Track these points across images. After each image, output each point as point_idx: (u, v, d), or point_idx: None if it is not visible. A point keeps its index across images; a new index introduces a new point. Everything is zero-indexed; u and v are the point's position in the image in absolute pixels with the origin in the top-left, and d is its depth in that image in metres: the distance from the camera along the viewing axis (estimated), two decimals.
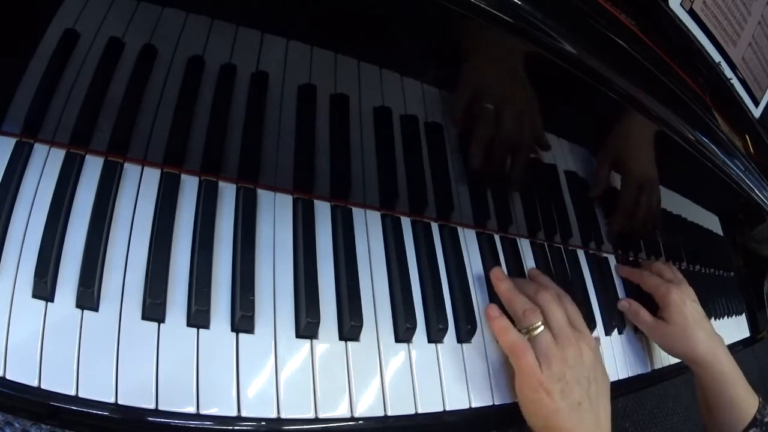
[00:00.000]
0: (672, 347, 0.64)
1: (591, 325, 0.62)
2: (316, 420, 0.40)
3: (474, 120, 0.48)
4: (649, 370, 0.67)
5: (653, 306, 0.66)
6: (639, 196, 0.63)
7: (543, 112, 0.48)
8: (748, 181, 0.59)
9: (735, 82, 0.55)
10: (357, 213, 0.50)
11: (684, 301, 0.63)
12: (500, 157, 0.53)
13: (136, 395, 0.34)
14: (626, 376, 0.63)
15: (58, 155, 0.40)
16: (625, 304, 0.67)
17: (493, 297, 0.54)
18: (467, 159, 0.52)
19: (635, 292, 0.70)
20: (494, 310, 0.51)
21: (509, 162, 0.53)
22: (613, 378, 0.61)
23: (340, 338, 0.44)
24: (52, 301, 0.35)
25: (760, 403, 0.60)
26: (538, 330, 0.49)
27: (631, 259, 0.76)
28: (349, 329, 0.43)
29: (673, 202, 0.69)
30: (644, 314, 0.65)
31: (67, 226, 0.38)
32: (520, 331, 0.50)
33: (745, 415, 0.59)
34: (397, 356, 0.45)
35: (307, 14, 0.38)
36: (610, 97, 0.43)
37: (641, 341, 0.68)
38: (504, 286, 0.53)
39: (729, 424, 0.60)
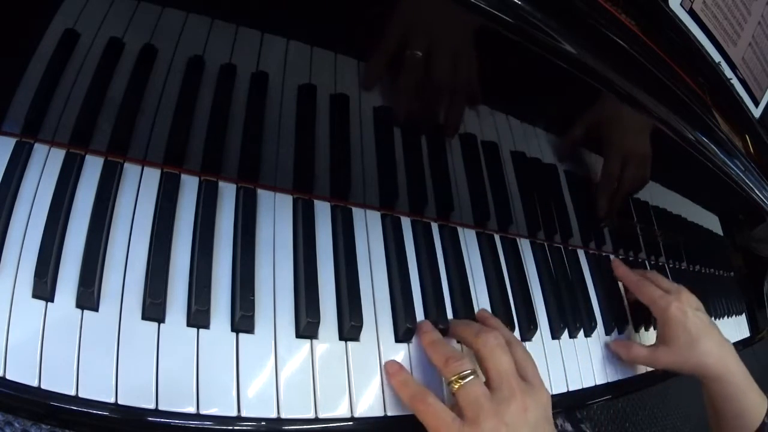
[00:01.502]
0: (680, 367, 0.58)
1: (591, 325, 0.63)
2: (316, 420, 0.40)
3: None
4: (650, 370, 0.67)
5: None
6: (622, 176, 0.59)
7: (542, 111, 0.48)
8: (748, 181, 0.59)
9: (735, 82, 0.55)
10: (357, 213, 0.50)
11: (685, 314, 0.58)
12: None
13: (136, 395, 0.34)
14: (626, 376, 0.63)
15: (58, 155, 0.40)
16: (615, 346, 0.62)
17: (492, 296, 0.55)
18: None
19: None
20: (393, 365, 0.44)
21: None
22: (613, 378, 0.61)
23: (340, 338, 0.44)
24: (52, 301, 0.35)
25: None
26: (467, 380, 0.41)
27: (631, 259, 0.76)
28: (349, 329, 0.43)
29: (673, 202, 0.69)
30: (638, 348, 0.60)
31: (67, 226, 0.38)
32: (449, 386, 0.42)
33: (755, 420, 0.57)
34: (397, 356, 0.45)
35: (307, 14, 0.38)
36: (602, 91, 0.43)
37: (641, 341, 0.68)
38: (428, 338, 0.46)
39: (737, 430, 0.58)
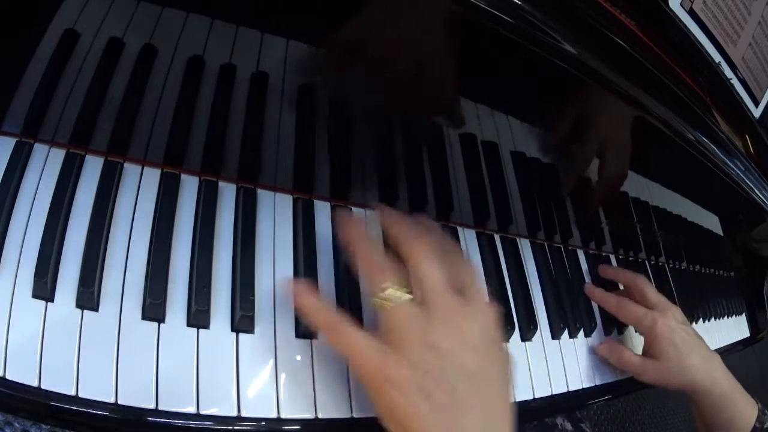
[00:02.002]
0: (668, 383, 0.57)
1: (591, 325, 0.63)
2: (316, 420, 0.40)
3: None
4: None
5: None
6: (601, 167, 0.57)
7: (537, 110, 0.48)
8: (748, 181, 0.59)
9: (735, 82, 0.55)
10: (358, 213, 0.50)
11: (672, 330, 0.57)
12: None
13: (136, 395, 0.34)
14: (626, 377, 0.63)
15: (58, 155, 0.40)
16: (605, 348, 0.59)
17: (492, 296, 0.54)
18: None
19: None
20: (299, 285, 0.38)
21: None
22: (613, 379, 0.61)
23: None
24: (52, 301, 0.35)
25: (759, 410, 0.58)
26: (392, 296, 0.35)
27: (631, 259, 0.76)
28: None
29: (673, 202, 0.69)
30: (630, 356, 0.58)
31: (67, 226, 0.38)
32: (374, 301, 0.36)
33: (744, 426, 0.57)
34: None
35: (307, 14, 0.38)
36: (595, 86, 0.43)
37: (641, 341, 0.68)
38: (353, 233, 0.39)
39: None
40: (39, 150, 0.40)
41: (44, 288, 0.34)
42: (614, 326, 0.65)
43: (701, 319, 0.87)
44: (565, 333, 0.59)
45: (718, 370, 0.57)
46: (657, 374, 0.57)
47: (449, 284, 0.36)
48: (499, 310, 0.39)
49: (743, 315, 1.03)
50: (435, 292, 0.35)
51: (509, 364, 0.38)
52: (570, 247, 0.67)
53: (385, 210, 0.42)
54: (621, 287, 0.66)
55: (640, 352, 0.61)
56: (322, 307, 0.37)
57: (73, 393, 0.33)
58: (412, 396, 0.32)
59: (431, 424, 0.32)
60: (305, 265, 0.44)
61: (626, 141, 0.53)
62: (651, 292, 0.61)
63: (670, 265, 0.84)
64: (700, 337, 0.59)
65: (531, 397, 0.52)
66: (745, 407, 0.57)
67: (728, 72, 0.53)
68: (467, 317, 0.35)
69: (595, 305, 0.65)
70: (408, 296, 0.35)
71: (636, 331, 0.64)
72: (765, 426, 0.57)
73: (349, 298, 0.45)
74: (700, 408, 0.58)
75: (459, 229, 0.56)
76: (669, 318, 0.58)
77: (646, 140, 0.53)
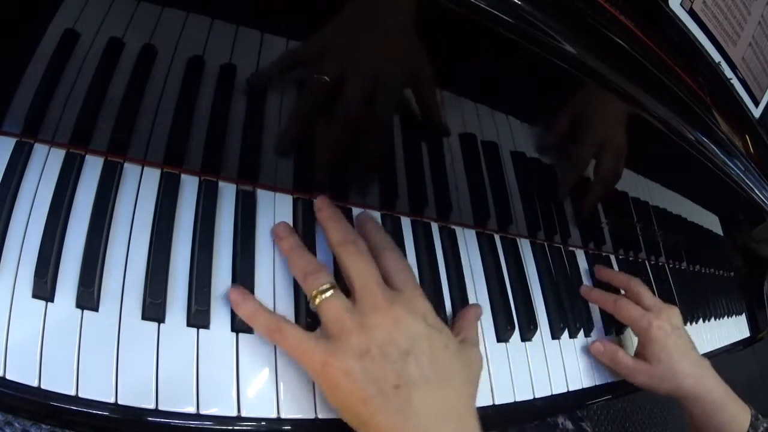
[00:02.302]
0: (658, 387, 0.57)
1: (590, 325, 0.63)
2: (316, 420, 0.40)
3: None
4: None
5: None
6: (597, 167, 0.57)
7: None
8: (748, 181, 0.59)
9: (735, 82, 0.55)
10: (357, 213, 0.50)
11: (667, 334, 0.57)
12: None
13: (136, 395, 0.34)
14: None
15: (58, 155, 0.40)
16: (599, 347, 0.59)
17: (492, 296, 0.55)
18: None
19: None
20: (236, 293, 0.39)
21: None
22: (613, 379, 0.61)
23: None
24: (52, 301, 0.35)
25: (752, 415, 0.58)
26: (327, 294, 0.37)
27: (631, 259, 0.76)
28: None
29: (673, 202, 0.69)
30: (623, 356, 0.58)
31: (67, 226, 0.38)
32: (308, 302, 0.39)
33: (737, 431, 0.57)
34: None
35: (307, 14, 0.38)
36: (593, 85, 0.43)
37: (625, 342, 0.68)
38: (287, 243, 0.41)
39: None
40: (39, 150, 0.40)
41: (44, 288, 0.34)
42: (614, 326, 0.65)
43: (701, 319, 0.87)
44: (565, 333, 0.59)
45: (708, 377, 0.57)
46: (647, 378, 0.57)
47: (379, 279, 0.38)
48: (430, 303, 0.40)
49: (743, 315, 1.03)
50: (364, 287, 0.37)
51: (456, 349, 0.38)
52: (570, 247, 0.67)
53: (323, 205, 0.43)
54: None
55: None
56: (259, 311, 0.38)
57: (73, 393, 0.33)
58: (359, 381, 0.34)
59: (383, 406, 0.33)
60: None
61: (625, 141, 0.53)
62: (646, 295, 0.61)
63: (670, 265, 0.84)
64: (692, 343, 0.60)
65: (531, 397, 0.52)
66: (737, 412, 0.57)
67: (728, 72, 0.53)
68: (400, 307, 0.37)
69: (594, 305, 0.65)
70: (335, 291, 0.37)
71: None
72: (759, 430, 0.57)
73: None
74: (691, 414, 0.58)
75: (459, 229, 0.56)
76: (664, 321, 0.58)
77: (646, 140, 0.53)
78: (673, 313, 0.60)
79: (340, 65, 0.38)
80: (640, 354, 0.60)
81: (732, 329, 0.97)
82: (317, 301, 0.37)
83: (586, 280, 0.67)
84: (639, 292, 0.62)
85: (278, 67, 0.38)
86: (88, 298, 0.36)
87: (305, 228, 0.46)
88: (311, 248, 0.45)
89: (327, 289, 0.38)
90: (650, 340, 0.57)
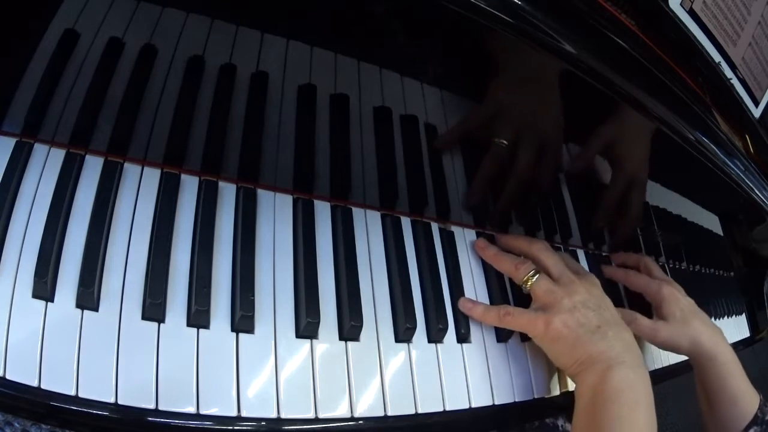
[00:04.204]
0: (676, 344, 0.61)
1: None
2: (316, 420, 0.40)
3: (489, 155, 0.50)
4: (649, 370, 0.67)
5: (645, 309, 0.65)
6: (626, 190, 0.61)
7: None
8: (748, 181, 0.59)
9: (735, 82, 0.55)
10: (357, 213, 0.50)
11: (676, 296, 0.62)
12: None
13: (136, 395, 0.34)
14: None
15: (58, 155, 0.40)
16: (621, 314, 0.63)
17: (492, 297, 0.54)
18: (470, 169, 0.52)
19: (637, 291, 0.70)
20: (466, 301, 0.51)
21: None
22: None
23: (340, 338, 0.44)
24: (52, 301, 0.35)
25: (761, 400, 0.59)
26: (535, 277, 0.50)
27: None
28: (349, 329, 0.43)
29: (673, 202, 0.69)
30: (641, 319, 0.62)
31: (67, 226, 0.38)
32: (520, 286, 0.51)
33: (746, 412, 0.58)
34: (397, 356, 0.45)
35: (307, 14, 0.38)
36: (609, 96, 0.43)
37: (641, 342, 0.68)
38: (490, 252, 0.55)
39: (730, 421, 0.58)
40: (39, 150, 0.40)
41: (44, 288, 0.34)
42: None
43: None
44: None
45: (720, 337, 0.61)
46: (667, 334, 0.61)
47: (566, 266, 0.52)
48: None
49: (743, 315, 1.03)
50: (561, 272, 0.51)
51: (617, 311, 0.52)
52: (570, 247, 0.67)
53: (485, 244, 0.56)
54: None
55: (644, 352, 0.63)
56: (488, 308, 0.51)
57: (73, 393, 0.33)
58: (574, 328, 0.47)
59: (591, 340, 0.46)
60: (305, 265, 0.44)
61: (630, 142, 0.53)
62: (656, 269, 0.68)
63: (670, 265, 0.84)
64: (701, 311, 0.63)
65: (531, 397, 0.52)
66: (747, 389, 0.59)
67: (728, 72, 0.53)
68: (586, 284, 0.51)
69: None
70: (541, 273, 0.51)
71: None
72: (767, 418, 0.57)
73: (349, 296, 0.45)
74: (703, 379, 0.60)
75: (458, 229, 0.56)
76: (673, 287, 0.64)
77: (646, 140, 0.53)
78: (679, 285, 0.65)
79: (515, 130, 0.48)
80: (656, 317, 0.63)
81: (732, 329, 0.97)
82: (529, 283, 0.51)
83: None
84: (649, 267, 0.68)
85: (456, 135, 0.49)
86: (88, 298, 0.36)
87: (305, 228, 0.46)
88: (312, 248, 0.45)
89: (534, 274, 0.51)
90: (663, 299, 0.62)
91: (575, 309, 0.47)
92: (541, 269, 0.52)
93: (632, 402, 0.44)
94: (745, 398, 0.59)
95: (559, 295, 0.48)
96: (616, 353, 0.46)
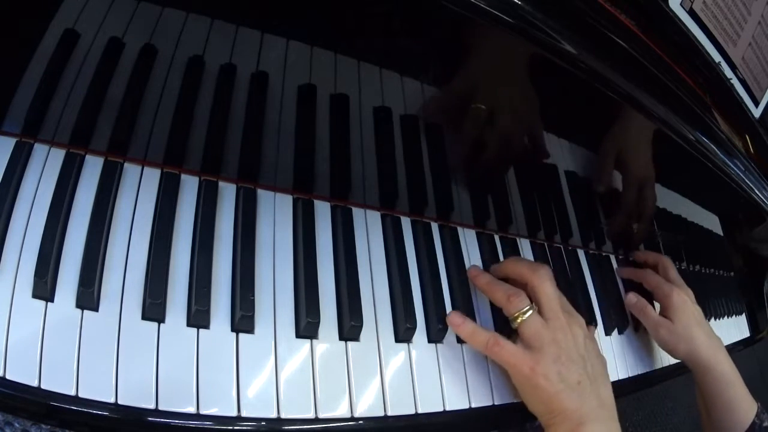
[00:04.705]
0: (675, 347, 0.63)
1: (592, 324, 0.62)
2: (316, 420, 0.40)
3: (468, 121, 0.48)
4: (649, 370, 0.67)
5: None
6: (636, 193, 0.63)
7: (542, 113, 0.48)
8: (748, 181, 0.59)
9: (735, 82, 0.55)
10: (357, 213, 0.50)
11: (686, 302, 0.63)
12: (495, 161, 0.52)
13: (136, 395, 0.34)
14: (626, 376, 0.63)
15: (58, 155, 0.40)
16: (632, 298, 0.66)
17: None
18: (463, 160, 0.52)
19: (636, 291, 0.70)
20: (456, 317, 0.49)
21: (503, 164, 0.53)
22: (613, 378, 0.61)
23: (340, 338, 0.44)
24: (52, 301, 0.35)
25: (758, 408, 0.60)
26: (527, 314, 0.48)
27: (631, 259, 0.76)
28: (349, 329, 0.43)
29: (673, 202, 0.69)
30: (650, 311, 0.64)
31: (67, 226, 0.38)
32: (509, 319, 0.49)
33: (744, 419, 0.59)
34: (397, 356, 0.45)
35: (307, 14, 0.38)
36: (609, 96, 0.43)
37: (641, 341, 0.68)
38: (483, 280, 0.52)
39: (728, 428, 0.60)
40: (39, 150, 0.40)
41: (44, 288, 0.34)
42: (614, 326, 0.65)
43: None
44: None
45: (720, 350, 0.62)
46: (668, 333, 0.63)
47: (560, 303, 0.50)
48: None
49: (743, 315, 1.03)
50: (554, 309, 0.49)
51: (602, 356, 0.52)
52: (570, 247, 0.67)
53: (478, 272, 0.54)
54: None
55: (644, 352, 0.64)
56: (477, 330, 0.49)
57: (73, 393, 0.33)
58: (555, 382, 0.45)
59: (568, 396, 0.45)
60: (305, 265, 0.44)
61: (635, 144, 0.54)
62: (672, 271, 0.69)
63: None
64: (707, 321, 0.64)
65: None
66: (745, 398, 0.60)
67: (728, 72, 0.53)
68: (574, 326, 0.49)
69: (595, 305, 0.65)
70: (533, 312, 0.48)
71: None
72: (764, 425, 0.58)
73: (349, 296, 0.45)
74: (702, 387, 0.62)
75: (459, 229, 0.56)
76: (684, 292, 0.65)
77: (646, 140, 0.53)
78: (691, 291, 0.66)
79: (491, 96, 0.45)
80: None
81: (732, 329, 0.97)
82: (519, 320, 0.48)
83: (587, 280, 0.66)
84: (666, 267, 0.69)
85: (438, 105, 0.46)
86: (88, 298, 0.36)
87: (305, 228, 0.46)
88: (312, 248, 0.45)
89: (527, 310, 0.48)
90: (671, 304, 0.63)
91: (559, 360, 0.46)
92: (534, 300, 0.50)
93: None
94: (743, 406, 0.60)
95: (546, 341, 0.47)
96: (589, 409, 0.46)
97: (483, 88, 0.45)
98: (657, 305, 0.67)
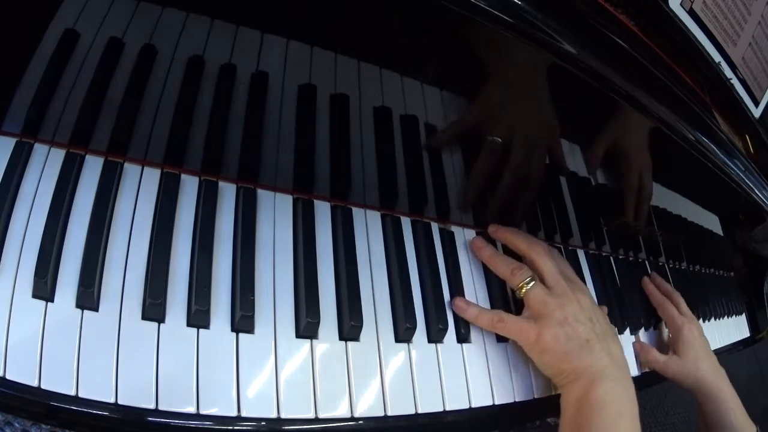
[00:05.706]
0: (684, 379, 0.65)
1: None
2: (316, 420, 0.40)
3: (484, 155, 0.50)
4: (649, 371, 0.67)
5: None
6: (635, 181, 0.62)
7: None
8: (748, 181, 0.59)
9: (735, 82, 0.55)
10: (357, 213, 0.50)
11: (695, 336, 0.67)
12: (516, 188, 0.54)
13: (136, 395, 0.34)
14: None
15: (58, 155, 0.40)
16: (637, 347, 0.67)
17: (492, 297, 0.54)
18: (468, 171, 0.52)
19: (635, 292, 0.70)
20: (460, 301, 0.51)
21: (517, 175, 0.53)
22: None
23: (340, 338, 0.44)
24: (52, 301, 0.35)
25: (757, 430, 0.63)
26: (530, 285, 0.50)
27: (631, 259, 0.76)
28: (349, 329, 0.43)
29: (673, 202, 0.69)
30: (656, 354, 0.66)
31: (67, 226, 0.38)
32: (513, 290, 0.52)
33: None
34: (397, 356, 0.45)
35: (307, 14, 0.38)
36: (610, 96, 0.43)
37: (640, 341, 0.68)
38: (486, 252, 0.54)
39: None
40: (39, 150, 0.40)
41: (44, 288, 0.34)
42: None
43: (701, 319, 0.87)
44: None
45: (723, 380, 0.66)
46: (676, 369, 0.65)
47: (561, 272, 0.52)
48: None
49: (743, 315, 1.03)
50: (554, 278, 0.51)
51: (608, 320, 0.53)
52: (570, 247, 0.66)
53: (500, 228, 0.57)
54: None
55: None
56: (482, 312, 0.51)
57: (73, 393, 0.33)
58: (563, 341, 0.47)
59: (578, 354, 0.47)
60: (305, 265, 0.44)
61: (632, 139, 0.53)
62: (683, 305, 0.72)
63: (670, 265, 0.84)
64: (712, 352, 0.69)
65: (532, 397, 0.52)
66: (744, 421, 0.63)
67: (728, 72, 0.53)
68: (577, 292, 0.51)
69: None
70: (536, 281, 0.51)
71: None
72: None
73: (349, 296, 0.45)
74: (705, 409, 0.65)
75: (458, 229, 0.56)
76: (694, 326, 0.69)
77: (646, 140, 0.53)
78: (699, 325, 0.70)
79: (507, 128, 0.48)
80: (671, 348, 0.68)
81: (732, 329, 0.97)
82: (524, 290, 0.50)
83: (587, 280, 0.66)
84: (678, 302, 0.72)
85: (452, 134, 0.48)
86: (88, 298, 0.36)
87: (305, 228, 0.46)
88: (312, 248, 0.45)
89: (530, 281, 0.50)
90: (682, 337, 0.67)
91: (566, 322, 0.48)
92: (535, 274, 0.52)
93: (616, 414, 0.45)
94: (743, 428, 0.63)
95: (551, 307, 0.49)
96: (601, 367, 0.47)
97: (495, 116, 0.46)
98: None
